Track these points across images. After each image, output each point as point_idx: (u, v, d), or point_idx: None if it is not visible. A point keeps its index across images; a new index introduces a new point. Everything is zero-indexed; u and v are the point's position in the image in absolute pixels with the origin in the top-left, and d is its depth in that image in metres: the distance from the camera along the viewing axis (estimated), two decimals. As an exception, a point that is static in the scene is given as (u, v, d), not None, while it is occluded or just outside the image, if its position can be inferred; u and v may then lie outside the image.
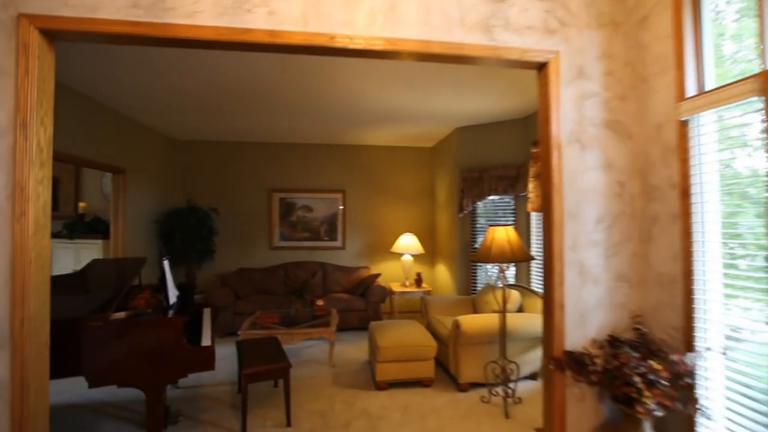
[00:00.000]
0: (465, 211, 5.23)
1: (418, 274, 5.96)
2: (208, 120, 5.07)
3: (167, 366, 2.30)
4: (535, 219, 4.63)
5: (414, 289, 5.79)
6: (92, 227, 5.57)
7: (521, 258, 3.02)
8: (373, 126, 5.35)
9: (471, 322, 3.56)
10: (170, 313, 2.71)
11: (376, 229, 6.62)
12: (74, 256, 5.56)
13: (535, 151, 3.95)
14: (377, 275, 5.90)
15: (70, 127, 3.90)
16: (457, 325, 3.56)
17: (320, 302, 4.77)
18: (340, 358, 4.52)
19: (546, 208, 2.30)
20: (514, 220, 4.96)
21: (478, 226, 5.38)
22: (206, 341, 2.69)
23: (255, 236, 6.44)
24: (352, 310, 5.53)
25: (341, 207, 6.57)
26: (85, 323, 2.17)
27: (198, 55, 3.08)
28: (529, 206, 4.08)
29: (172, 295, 2.91)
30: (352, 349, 4.83)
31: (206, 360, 2.41)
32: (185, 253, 5.69)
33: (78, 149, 4.07)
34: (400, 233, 6.42)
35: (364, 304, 5.55)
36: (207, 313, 3.56)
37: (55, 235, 5.73)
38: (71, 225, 5.67)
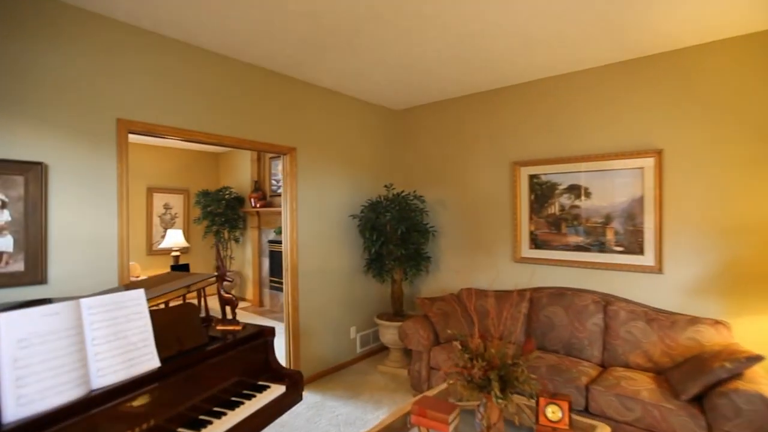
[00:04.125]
0: None
1: None
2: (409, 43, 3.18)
3: None
4: None
5: None
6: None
7: None
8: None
9: None
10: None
11: (741, 233, 2.83)
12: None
13: None
14: (755, 358, 2.26)
15: (213, 103, 2.97)
16: None
17: (553, 411, 1.96)
18: None
19: None
20: None
21: None
22: None
23: (490, 239, 4.06)
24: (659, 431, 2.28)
25: (653, 186, 3.20)
26: None
27: None
28: None
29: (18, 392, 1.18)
30: None
31: None
32: (381, 261, 4.07)
33: (226, 128, 3.12)
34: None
35: (699, 426, 2.17)
36: (259, 401, 1.70)
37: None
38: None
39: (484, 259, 4.09)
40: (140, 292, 1.56)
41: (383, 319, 4.05)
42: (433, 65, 3.39)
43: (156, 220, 7.30)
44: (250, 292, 7.31)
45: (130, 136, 2.66)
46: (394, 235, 3.92)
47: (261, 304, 6.99)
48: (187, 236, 7.55)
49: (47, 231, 2.30)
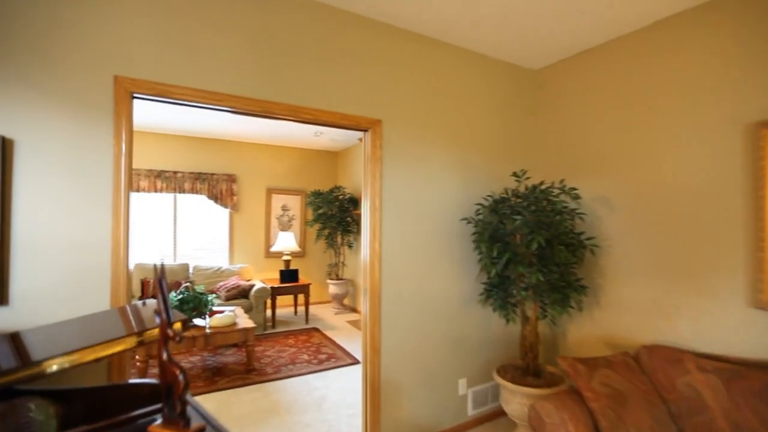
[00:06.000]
0: None
1: None
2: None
3: None
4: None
5: None
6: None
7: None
8: None
9: None
10: None
11: None
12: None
13: None
14: None
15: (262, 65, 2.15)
16: None
17: None
18: None
19: None
20: None
21: None
22: None
23: (699, 263, 2.33)
24: None
25: None
26: None
27: None
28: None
29: None
30: None
31: None
32: (506, 287, 2.70)
33: (275, 92, 2.26)
34: None
35: None
36: None
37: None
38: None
39: (686, 295, 2.37)
40: None
41: (506, 378, 2.67)
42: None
43: (274, 222, 7.12)
44: (361, 304, 6.58)
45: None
46: (526, 249, 2.53)
47: (370, 318, 6.15)
48: (303, 239, 7.22)
49: (9, 231, 1.69)
